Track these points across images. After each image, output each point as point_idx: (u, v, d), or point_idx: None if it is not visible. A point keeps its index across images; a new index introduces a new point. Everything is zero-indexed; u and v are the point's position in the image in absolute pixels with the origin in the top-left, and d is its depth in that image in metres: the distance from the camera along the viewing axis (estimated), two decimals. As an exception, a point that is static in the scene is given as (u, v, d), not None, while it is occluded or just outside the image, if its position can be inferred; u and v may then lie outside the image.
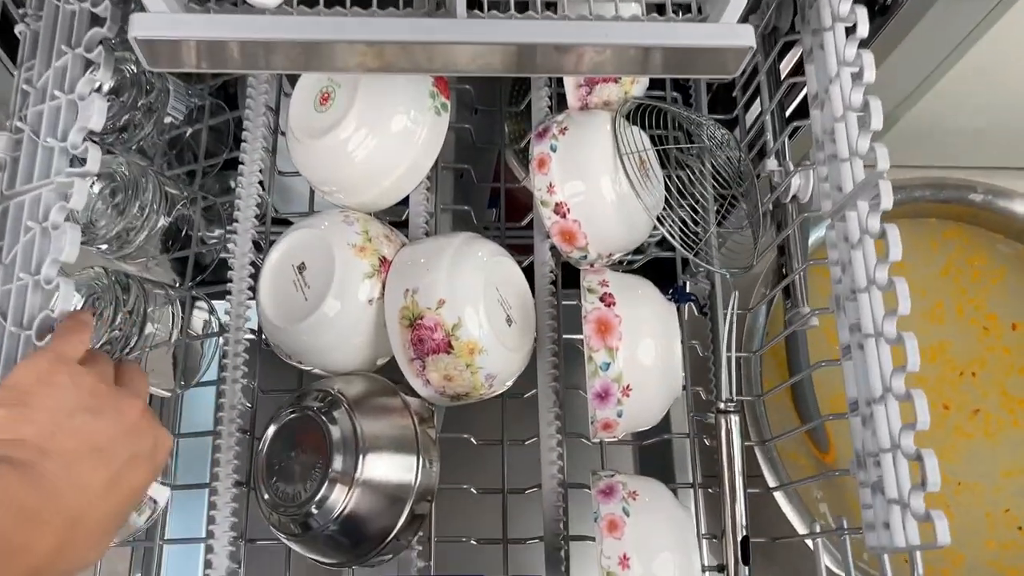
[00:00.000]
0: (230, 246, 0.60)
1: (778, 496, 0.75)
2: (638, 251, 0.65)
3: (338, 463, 0.52)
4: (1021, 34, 0.79)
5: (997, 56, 0.83)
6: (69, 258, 0.43)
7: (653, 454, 0.86)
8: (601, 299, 0.56)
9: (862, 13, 0.52)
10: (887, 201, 0.48)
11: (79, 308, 0.57)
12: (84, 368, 0.42)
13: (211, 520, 0.57)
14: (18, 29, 0.53)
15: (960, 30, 0.78)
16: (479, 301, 0.56)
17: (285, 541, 0.56)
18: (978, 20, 0.77)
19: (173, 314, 0.61)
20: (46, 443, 0.38)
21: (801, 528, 0.73)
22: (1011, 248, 0.98)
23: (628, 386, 0.54)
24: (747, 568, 0.56)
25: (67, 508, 0.38)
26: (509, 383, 0.61)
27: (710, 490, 0.61)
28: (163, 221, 0.62)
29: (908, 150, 0.97)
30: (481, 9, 0.48)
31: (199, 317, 0.66)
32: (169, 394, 0.64)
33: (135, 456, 0.42)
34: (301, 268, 0.57)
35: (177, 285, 0.66)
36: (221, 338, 0.60)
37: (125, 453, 0.41)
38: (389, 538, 0.53)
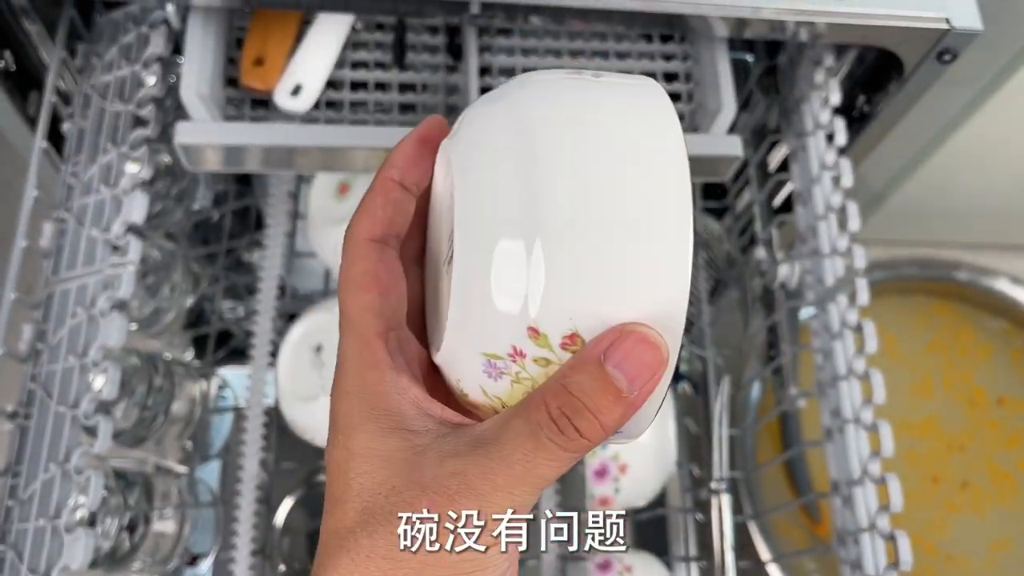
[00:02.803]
0: (253, 327, 0.64)
1: (771, 569, 0.77)
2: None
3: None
4: (998, 124, 0.84)
5: (979, 142, 0.87)
6: (116, 344, 0.47)
7: (650, 525, 0.89)
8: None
9: (839, 123, 0.56)
10: (863, 298, 0.52)
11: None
12: None
13: (228, 588, 0.60)
14: (65, 127, 0.57)
15: (942, 119, 0.83)
16: None
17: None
18: (958, 110, 0.83)
19: (193, 390, 0.65)
20: None
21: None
22: (996, 324, 1.01)
23: (624, 464, 0.58)
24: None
25: None
26: None
27: (703, 563, 0.64)
28: (190, 301, 0.66)
29: (898, 226, 1.01)
30: (490, 71, 0.53)
31: (213, 391, 0.69)
32: (185, 469, 0.67)
33: None
34: (318, 349, 0.61)
35: (190, 359, 0.70)
36: (234, 412, 0.63)
37: None
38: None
